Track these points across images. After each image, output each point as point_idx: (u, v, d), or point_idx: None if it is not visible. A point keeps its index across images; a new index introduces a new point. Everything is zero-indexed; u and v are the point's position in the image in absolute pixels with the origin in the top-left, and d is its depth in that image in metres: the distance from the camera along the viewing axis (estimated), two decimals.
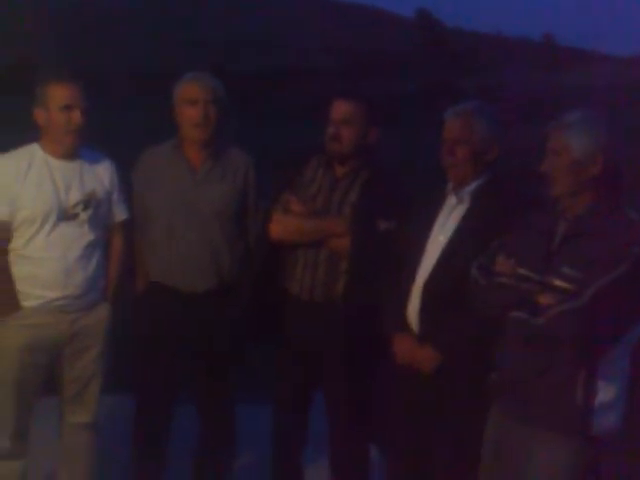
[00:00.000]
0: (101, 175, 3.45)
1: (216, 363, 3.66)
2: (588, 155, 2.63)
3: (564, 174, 2.67)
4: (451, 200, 3.16)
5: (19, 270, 3.29)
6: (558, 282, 2.57)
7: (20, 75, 20.62)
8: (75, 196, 3.33)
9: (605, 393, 2.61)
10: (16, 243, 3.29)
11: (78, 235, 3.33)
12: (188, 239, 3.53)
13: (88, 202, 3.35)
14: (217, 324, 3.59)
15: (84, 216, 3.34)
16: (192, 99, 3.52)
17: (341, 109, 3.45)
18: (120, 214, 3.52)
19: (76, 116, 3.28)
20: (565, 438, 2.63)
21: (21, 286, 3.30)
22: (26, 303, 3.30)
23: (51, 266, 3.28)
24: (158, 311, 3.60)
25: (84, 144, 3.40)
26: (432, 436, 3.15)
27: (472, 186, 3.12)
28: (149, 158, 3.68)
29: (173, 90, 3.60)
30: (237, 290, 3.64)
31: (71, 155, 3.36)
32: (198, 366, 3.70)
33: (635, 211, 2.63)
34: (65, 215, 3.30)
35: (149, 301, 3.64)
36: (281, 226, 3.50)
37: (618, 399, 2.65)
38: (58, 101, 3.26)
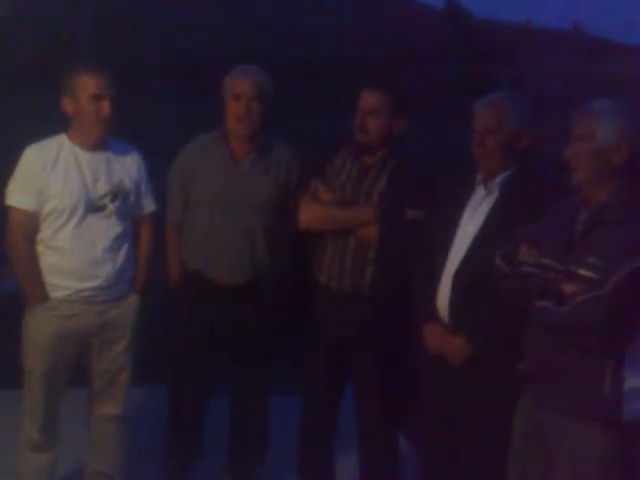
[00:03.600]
0: (129, 166, 3.44)
1: (251, 354, 3.66)
2: (612, 143, 2.61)
3: (587, 161, 2.65)
4: (480, 191, 3.15)
5: (47, 261, 3.31)
6: (582, 271, 2.56)
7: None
8: (103, 188, 3.33)
9: (634, 380, 2.58)
10: (44, 234, 3.30)
11: (106, 227, 3.33)
12: (227, 231, 3.54)
13: (116, 194, 3.35)
14: (252, 316, 3.59)
15: (112, 208, 3.34)
16: (237, 94, 3.55)
17: (368, 99, 3.46)
18: (148, 206, 3.53)
19: (105, 106, 3.27)
20: (595, 426, 2.61)
21: (49, 277, 3.31)
22: (54, 294, 3.31)
23: (79, 257, 3.29)
24: (194, 302, 3.61)
25: (112, 135, 3.40)
26: (462, 426, 3.14)
27: (501, 177, 3.11)
28: (195, 147, 3.69)
29: (223, 82, 3.63)
30: (272, 282, 3.62)
31: (99, 146, 3.36)
32: (233, 357, 3.71)
33: None
34: (93, 207, 3.30)
35: (185, 291, 3.64)
36: (309, 214, 3.51)
37: None
38: (87, 91, 3.26)
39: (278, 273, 3.62)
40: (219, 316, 3.58)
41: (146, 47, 30.24)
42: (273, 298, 3.61)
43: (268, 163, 3.61)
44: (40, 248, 3.31)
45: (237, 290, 3.57)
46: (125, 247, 3.40)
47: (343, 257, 3.46)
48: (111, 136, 3.40)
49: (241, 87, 3.54)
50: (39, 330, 3.32)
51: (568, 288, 2.56)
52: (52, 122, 3.44)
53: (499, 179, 3.11)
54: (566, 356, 2.63)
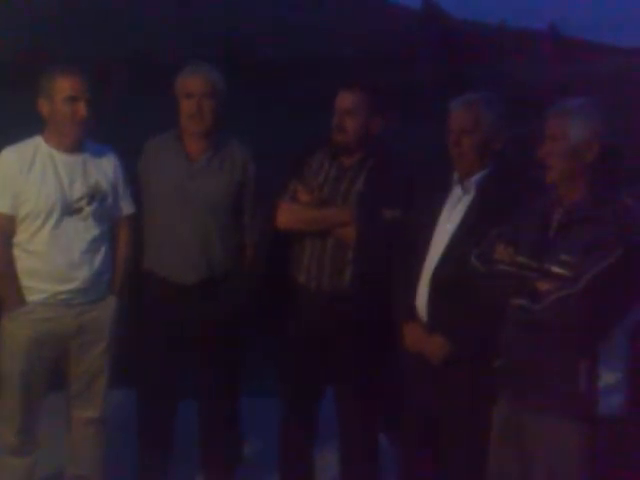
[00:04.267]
0: (106, 168, 3.43)
1: (210, 355, 3.64)
2: (584, 142, 2.65)
3: (560, 160, 2.69)
4: (457, 190, 3.16)
5: (23, 265, 3.29)
6: (556, 269, 2.59)
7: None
8: (79, 190, 3.32)
9: (608, 376, 2.62)
10: (20, 237, 3.29)
11: (82, 229, 3.32)
12: (181, 229, 3.53)
13: (92, 196, 3.34)
14: (208, 318, 3.57)
15: (88, 210, 3.33)
16: (188, 92, 3.55)
17: (344, 100, 3.47)
18: (126, 208, 3.51)
19: (81, 108, 3.26)
20: (571, 423, 2.64)
21: (26, 281, 3.29)
22: (31, 298, 3.30)
23: (55, 260, 3.27)
24: (149, 301, 3.60)
25: (88, 137, 3.39)
26: (442, 425, 3.15)
27: (477, 176, 3.13)
28: (151, 147, 3.69)
29: (175, 82, 3.62)
30: (229, 282, 3.62)
31: (75, 148, 3.35)
32: (193, 359, 3.69)
33: (628, 198, 2.64)
34: (69, 209, 3.29)
35: (146, 292, 3.63)
36: (288, 215, 3.51)
37: (621, 382, 2.66)
38: (63, 92, 3.25)
39: (234, 272, 3.62)
40: (176, 316, 3.57)
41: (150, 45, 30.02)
42: (231, 297, 3.59)
43: (223, 161, 3.61)
44: (16, 251, 3.30)
45: (193, 289, 3.56)
46: (102, 249, 3.39)
47: (322, 257, 3.47)
48: (87, 138, 3.39)
49: (192, 85, 3.55)
50: (16, 334, 3.31)
51: (543, 286, 2.59)
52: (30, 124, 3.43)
53: (475, 179, 3.12)
54: (541, 354, 2.65)
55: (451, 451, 3.15)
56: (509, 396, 2.81)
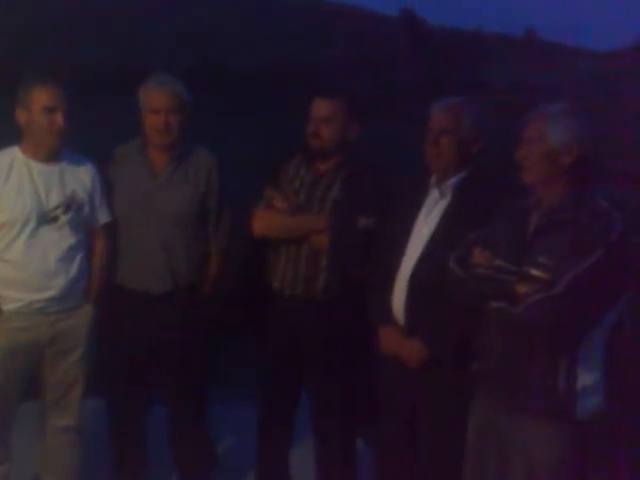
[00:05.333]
0: (82, 177, 3.42)
1: (176, 365, 3.63)
2: (563, 145, 2.66)
3: (537, 162, 2.70)
4: (434, 193, 3.17)
5: None
6: (534, 271, 2.60)
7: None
8: (55, 199, 3.31)
9: (586, 377, 2.63)
10: None
11: (58, 238, 3.31)
12: (145, 241, 3.52)
13: (69, 205, 3.34)
14: (173, 326, 3.57)
15: (64, 219, 3.32)
16: (154, 109, 3.51)
17: (320, 108, 3.47)
18: (102, 217, 3.50)
19: (58, 118, 3.26)
20: (550, 423, 2.65)
21: (1, 289, 3.28)
22: (6, 307, 3.29)
23: (31, 269, 3.26)
24: (116, 313, 3.57)
25: (65, 146, 3.38)
26: (419, 428, 3.16)
27: (454, 180, 3.13)
28: (119, 155, 3.66)
29: (138, 93, 3.57)
30: (195, 292, 3.62)
31: (52, 158, 3.34)
32: (161, 368, 3.68)
33: (605, 200, 2.65)
34: (45, 218, 3.28)
35: (109, 303, 3.58)
36: (263, 222, 3.52)
37: (599, 383, 2.67)
38: (40, 103, 3.24)
39: (198, 281, 3.63)
40: (144, 326, 3.56)
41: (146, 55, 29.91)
42: (195, 306, 3.60)
43: (187, 171, 3.58)
44: None
45: (158, 299, 3.55)
46: (78, 258, 3.38)
47: (296, 264, 3.47)
48: (64, 148, 3.38)
49: (158, 101, 3.50)
50: None
51: (521, 289, 2.60)
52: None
53: (452, 182, 3.13)
54: (520, 356, 2.66)
55: (429, 454, 3.15)
56: (487, 397, 2.82)
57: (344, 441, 3.58)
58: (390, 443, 3.29)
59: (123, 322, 3.58)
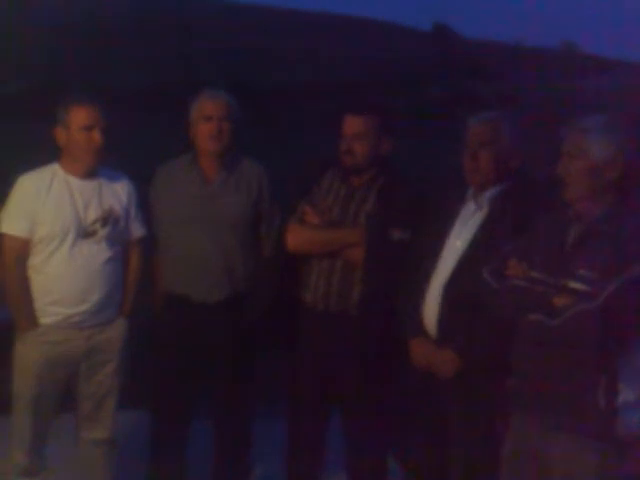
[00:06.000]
0: (119, 193, 3.51)
1: (232, 375, 3.66)
2: (607, 160, 2.63)
3: (580, 178, 2.67)
4: (470, 206, 3.16)
5: (37, 287, 3.34)
6: (573, 284, 2.56)
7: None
8: (93, 213, 3.39)
9: (628, 393, 2.57)
10: (35, 260, 3.34)
11: (96, 252, 3.37)
12: (203, 249, 3.59)
13: (106, 219, 3.41)
14: (231, 334, 3.62)
15: (102, 233, 3.39)
16: (207, 115, 3.63)
17: (352, 125, 3.48)
18: (137, 231, 3.57)
19: (96, 136, 3.35)
20: (590, 442, 2.59)
21: (39, 303, 3.34)
22: (44, 320, 3.34)
23: (69, 283, 3.33)
24: (175, 323, 3.64)
25: (103, 163, 3.46)
26: (452, 441, 3.13)
27: (491, 192, 3.12)
28: (165, 172, 3.77)
29: (190, 107, 3.72)
30: (251, 299, 3.67)
31: (90, 174, 3.43)
32: (215, 378, 3.71)
33: None
34: (84, 232, 3.35)
35: (166, 313, 3.68)
36: (296, 237, 3.52)
37: None
38: (79, 122, 3.35)
39: (256, 289, 3.67)
40: (200, 335, 3.60)
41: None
42: (254, 315, 3.63)
43: (239, 181, 3.68)
44: (31, 274, 3.34)
45: (216, 307, 3.60)
46: (115, 272, 3.44)
47: (330, 277, 3.46)
48: (102, 165, 3.46)
49: (211, 108, 3.65)
50: (28, 356, 3.35)
51: (559, 301, 2.56)
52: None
53: (489, 194, 3.12)
54: (558, 370, 2.61)
55: (462, 467, 3.11)
56: (523, 413, 2.77)
57: (376, 456, 3.56)
58: (422, 457, 3.27)
59: (176, 332, 3.62)
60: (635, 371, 2.59)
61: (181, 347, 3.62)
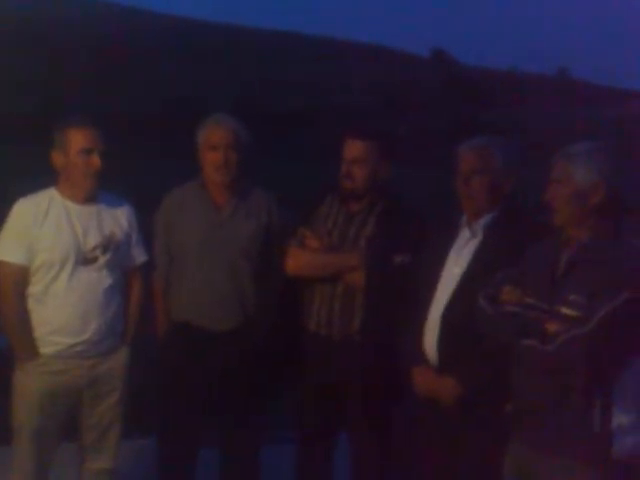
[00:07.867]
0: (119, 218, 3.46)
1: (241, 403, 3.64)
2: (590, 185, 2.67)
3: (566, 203, 2.71)
4: (465, 233, 3.18)
5: (37, 316, 3.29)
6: (565, 309, 2.59)
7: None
8: (93, 240, 3.33)
9: (622, 417, 2.59)
10: (34, 289, 3.30)
11: (96, 279, 3.33)
12: (214, 277, 3.57)
13: (107, 245, 3.36)
14: (240, 362, 3.59)
15: (103, 260, 3.34)
16: (213, 145, 3.58)
17: (352, 149, 3.49)
18: (139, 257, 3.53)
19: (95, 160, 3.30)
20: (587, 465, 2.61)
21: (38, 332, 3.29)
22: (44, 350, 3.30)
23: (70, 312, 3.28)
24: (183, 350, 3.61)
25: (102, 188, 3.42)
26: (455, 467, 3.12)
27: (485, 219, 3.14)
28: (174, 198, 3.73)
29: (197, 134, 3.66)
30: (260, 327, 3.63)
31: (89, 199, 3.37)
32: (224, 407, 3.68)
33: (637, 238, 2.66)
34: (84, 259, 3.30)
35: (175, 340, 3.65)
36: (296, 261, 3.53)
37: (634, 423, 2.62)
38: (77, 145, 3.29)
39: (267, 316, 3.63)
40: (210, 363, 3.58)
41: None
42: (264, 342, 3.60)
43: (249, 208, 3.66)
44: (30, 303, 3.30)
45: (227, 335, 3.58)
46: (116, 299, 3.40)
47: (332, 303, 3.47)
48: (101, 189, 3.41)
49: (217, 137, 3.59)
50: (28, 387, 3.31)
51: (552, 327, 2.59)
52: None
53: (483, 221, 3.13)
54: (553, 395, 2.63)
55: None
56: (521, 438, 2.78)
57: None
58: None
59: (185, 359, 3.60)
60: (629, 395, 2.61)
61: (190, 375, 3.60)
